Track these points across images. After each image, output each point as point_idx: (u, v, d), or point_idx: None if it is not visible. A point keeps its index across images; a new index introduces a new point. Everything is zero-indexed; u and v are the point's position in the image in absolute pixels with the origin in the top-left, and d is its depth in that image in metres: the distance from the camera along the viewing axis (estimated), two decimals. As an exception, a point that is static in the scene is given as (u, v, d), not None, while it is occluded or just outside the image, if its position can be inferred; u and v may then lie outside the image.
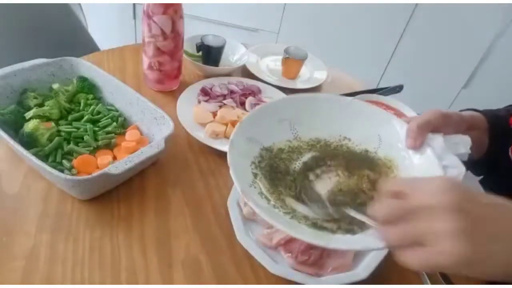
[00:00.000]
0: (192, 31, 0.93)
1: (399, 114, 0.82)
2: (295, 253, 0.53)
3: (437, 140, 0.50)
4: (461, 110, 0.65)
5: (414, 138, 0.50)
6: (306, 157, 0.53)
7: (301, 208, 0.46)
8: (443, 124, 0.51)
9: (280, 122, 0.54)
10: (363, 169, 0.51)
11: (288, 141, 0.54)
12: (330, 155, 0.53)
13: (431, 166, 0.47)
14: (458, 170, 0.48)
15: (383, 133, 0.53)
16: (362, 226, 0.43)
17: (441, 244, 0.31)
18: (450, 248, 0.30)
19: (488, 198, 0.33)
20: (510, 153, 0.56)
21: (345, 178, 0.50)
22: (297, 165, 0.52)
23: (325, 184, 0.50)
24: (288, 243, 0.54)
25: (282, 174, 0.50)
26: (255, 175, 0.49)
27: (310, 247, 0.54)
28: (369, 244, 0.39)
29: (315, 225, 0.44)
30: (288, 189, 0.48)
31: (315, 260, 0.53)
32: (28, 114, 0.64)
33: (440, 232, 0.31)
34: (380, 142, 0.53)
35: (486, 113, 0.60)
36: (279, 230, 0.54)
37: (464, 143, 0.51)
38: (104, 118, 0.68)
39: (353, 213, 0.44)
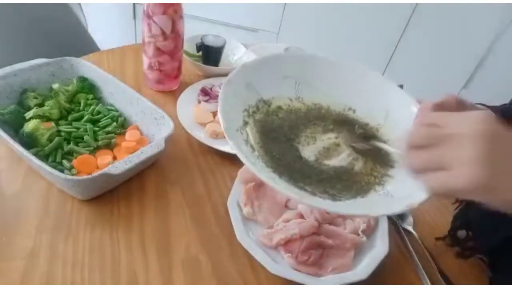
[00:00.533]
0: (192, 31, 0.93)
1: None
2: (295, 253, 0.53)
3: None
4: None
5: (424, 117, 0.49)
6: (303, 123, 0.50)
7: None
8: (457, 109, 0.49)
9: (285, 78, 0.50)
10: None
11: (289, 99, 0.51)
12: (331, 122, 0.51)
13: None
14: None
15: (392, 110, 0.51)
16: (342, 196, 0.42)
17: (462, 168, 0.32)
18: (469, 172, 0.32)
19: None
20: None
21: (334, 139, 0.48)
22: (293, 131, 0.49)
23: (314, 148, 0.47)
24: (288, 243, 0.54)
25: (275, 133, 0.47)
26: (245, 123, 0.46)
27: (310, 247, 0.54)
28: (342, 209, 0.39)
29: (295, 185, 0.42)
30: (277, 151, 0.46)
31: (315, 260, 0.53)
32: (28, 114, 0.64)
33: (464, 158, 0.32)
34: (387, 118, 0.51)
35: (497, 108, 0.60)
36: (279, 230, 0.54)
37: None
38: (104, 118, 0.68)
39: (376, 143, 0.43)
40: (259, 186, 0.62)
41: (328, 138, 0.49)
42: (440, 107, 0.48)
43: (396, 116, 0.51)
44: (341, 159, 0.47)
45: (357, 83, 0.52)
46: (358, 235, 0.57)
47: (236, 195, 0.60)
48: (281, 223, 0.57)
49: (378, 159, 0.47)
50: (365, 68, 0.54)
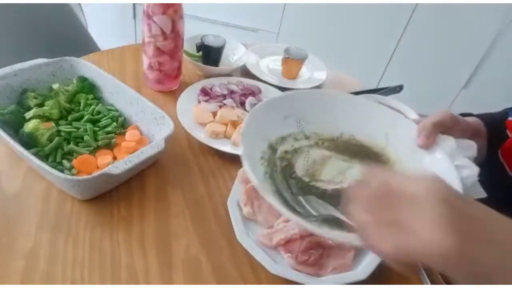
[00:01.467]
0: (192, 31, 0.93)
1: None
2: (295, 253, 0.53)
3: (449, 141, 0.50)
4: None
5: (427, 136, 0.49)
6: (314, 154, 0.53)
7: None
8: (453, 127, 0.51)
9: (286, 118, 0.53)
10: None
11: (295, 137, 0.54)
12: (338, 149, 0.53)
13: (444, 166, 0.47)
14: (471, 170, 0.47)
15: (390, 132, 0.53)
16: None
17: (426, 230, 0.28)
18: (437, 236, 0.27)
19: (478, 204, 0.30)
20: (499, 155, 0.56)
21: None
22: (305, 160, 0.52)
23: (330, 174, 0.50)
24: (288, 243, 0.54)
25: (289, 172, 0.50)
26: (266, 172, 0.49)
27: (310, 247, 0.54)
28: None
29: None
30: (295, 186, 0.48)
31: (315, 260, 0.53)
32: (28, 114, 0.64)
33: (427, 218, 0.28)
34: (387, 141, 0.53)
35: (484, 118, 0.60)
36: (279, 230, 0.54)
37: (471, 148, 0.51)
38: (104, 118, 0.68)
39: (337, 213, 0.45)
40: None
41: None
42: (440, 124, 0.50)
43: (397, 137, 0.53)
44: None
45: (353, 111, 0.55)
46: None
47: (236, 195, 0.60)
48: (281, 223, 0.57)
49: None
50: (354, 96, 0.57)
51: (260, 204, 0.59)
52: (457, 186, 0.44)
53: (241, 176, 0.62)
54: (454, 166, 0.47)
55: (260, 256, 0.52)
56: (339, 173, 0.51)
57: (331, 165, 0.52)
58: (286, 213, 0.40)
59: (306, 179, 0.50)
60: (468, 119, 0.59)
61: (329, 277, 0.52)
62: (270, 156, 0.50)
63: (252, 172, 0.42)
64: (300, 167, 0.51)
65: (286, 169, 0.51)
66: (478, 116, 0.61)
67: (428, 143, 0.50)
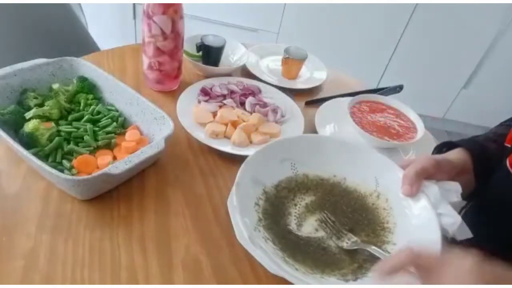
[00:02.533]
0: (192, 31, 0.93)
1: (399, 114, 0.82)
2: None
3: (432, 188, 0.51)
4: (438, 145, 0.66)
5: (410, 185, 0.51)
6: (306, 200, 0.55)
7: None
8: (436, 172, 0.52)
9: (282, 162, 0.55)
10: (362, 225, 0.53)
11: (288, 179, 0.55)
12: (329, 203, 0.55)
13: (427, 216, 0.49)
14: (454, 219, 0.49)
15: (380, 177, 0.55)
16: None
17: None
18: None
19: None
20: (507, 165, 0.56)
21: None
22: (297, 208, 0.54)
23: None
24: None
25: (282, 215, 0.52)
26: (260, 219, 0.50)
27: None
28: None
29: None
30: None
31: None
32: (28, 114, 0.64)
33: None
34: (378, 184, 0.55)
35: (468, 146, 0.59)
36: None
37: (455, 191, 0.52)
38: (104, 118, 0.68)
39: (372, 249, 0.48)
40: None
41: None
42: (423, 171, 0.51)
43: (385, 181, 0.55)
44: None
45: (345, 155, 0.57)
46: None
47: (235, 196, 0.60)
48: None
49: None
50: (347, 141, 0.59)
51: None
52: (437, 237, 0.46)
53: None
54: (436, 216, 0.48)
55: (260, 256, 0.52)
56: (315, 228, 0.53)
57: (314, 218, 0.54)
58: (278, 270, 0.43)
59: (297, 232, 0.52)
60: (452, 154, 0.58)
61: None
62: (264, 202, 0.52)
63: (242, 225, 0.45)
64: (292, 216, 0.54)
65: (278, 217, 0.53)
66: (462, 145, 0.60)
67: (412, 192, 0.51)
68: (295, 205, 0.55)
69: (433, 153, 0.68)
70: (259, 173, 0.51)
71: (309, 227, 0.53)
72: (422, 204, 0.51)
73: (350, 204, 0.55)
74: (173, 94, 0.83)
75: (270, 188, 0.53)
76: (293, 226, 0.53)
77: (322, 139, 0.58)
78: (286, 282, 0.51)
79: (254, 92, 0.85)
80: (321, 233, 0.52)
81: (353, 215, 0.54)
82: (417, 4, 1.77)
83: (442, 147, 0.65)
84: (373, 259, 0.49)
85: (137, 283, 0.50)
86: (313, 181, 0.56)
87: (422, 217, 0.49)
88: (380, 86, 0.99)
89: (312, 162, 0.56)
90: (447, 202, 0.50)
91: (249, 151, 0.70)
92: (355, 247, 0.50)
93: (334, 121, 0.83)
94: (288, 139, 0.56)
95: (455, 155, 0.58)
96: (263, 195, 0.52)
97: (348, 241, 0.51)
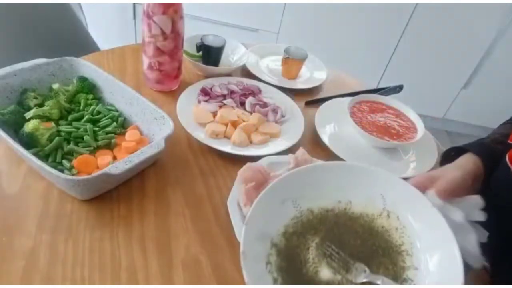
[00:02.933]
0: (192, 31, 0.93)
1: (399, 114, 0.82)
2: None
3: (457, 213, 0.48)
4: (445, 151, 0.65)
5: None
6: (316, 240, 0.49)
7: None
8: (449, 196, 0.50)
9: (284, 203, 0.51)
10: (377, 258, 0.48)
11: (294, 221, 0.50)
12: (337, 237, 0.50)
13: (444, 237, 0.45)
14: (482, 233, 0.48)
15: (385, 194, 0.51)
16: None
17: None
18: None
19: None
20: (507, 160, 0.56)
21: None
22: (311, 252, 0.48)
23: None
24: None
25: (298, 266, 0.47)
26: (275, 279, 0.45)
27: None
28: None
29: None
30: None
31: None
32: (28, 114, 0.64)
33: None
34: (386, 202, 0.51)
35: (476, 150, 0.58)
36: None
37: (476, 205, 0.50)
38: (104, 118, 0.68)
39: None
40: (259, 186, 0.62)
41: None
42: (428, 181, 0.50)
43: (393, 196, 0.51)
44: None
45: (345, 178, 0.52)
46: None
47: (236, 195, 0.60)
48: None
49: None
50: (343, 163, 0.56)
51: None
52: (457, 252, 0.43)
53: (241, 176, 0.62)
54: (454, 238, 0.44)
55: None
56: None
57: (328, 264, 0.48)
58: None
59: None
60: (463, 163, 0.57)
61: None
62: (276, 257, 0.47)
63: None
64: (308, 263, 0.48)
65: (295, 270, 0.47)
66: (470, 150, 0.59)
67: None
68: (308, 248, 0.49)
69: (441, 160, 0.67)
70: (262, 226, 0.47)
71: (327, 272, 0.47)
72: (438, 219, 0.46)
73: (358, 234, 0.50)
74: (173, 94, 0.83)
75: (279, 238, 0.48)
76: (311, 274, 0.47)
77: (318, 168, 0.53)
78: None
79: (254, 92, 0.85)
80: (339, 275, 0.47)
81: (364, 247, 0.49)
82: (417, 4, 1.77)
83: (450, 152, 0.64)
84: None
85: (137, 283, 0.50)
86: (318, 215, 0.52)
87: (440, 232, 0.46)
88: (380, 86, 0.99)
89: (314, 194, 0.52)
90: (472, 231, 0.48)
91: (249, 151, 0.71)
92: (365, 279, 0.45)
93: (334, 121, 0.83)
94: (283, 178, 0.51)
95: (467, 164, 0.56)
96: (273, 248, 0.47)
97: (357, 272, 0.46)
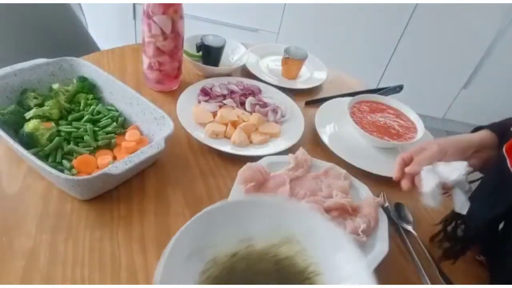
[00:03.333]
0: (192, 31, 0.93)
1: (399, 114, 0.82)
2: None
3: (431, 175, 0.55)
4: (474, 129, 0.65)
5: (404, 180, 0.58)
6: None
7: None
8: (443, 157, 0.56)
9: (189, 258, 0.44)
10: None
11: (203, 274, 0.44)
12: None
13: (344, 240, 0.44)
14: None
15: (284, 221, 0.48)
16: None
17: None
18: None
19: None
20: (504, 150, 0.56)
21: None
22: None
23: None
24: None
25: None
26: None
27: None
28: None
29: None
30: None
31: None
32: (28, 114, 0.64)
33: None
34: (284, 230, 0.48)
35: (495, 127, 0.60)
36: None
37: (458, 169, 0.54)
38: (104, 118, 0.68)
39: None
40: (260, 185, 0.62)
41: None
42: (420, 162, 0.57)
43: (290, 222, 0.48)
44: None
45: (244, 213, 0.48)
46: (358, 235, 0.57)
47: (237, 194, 0.60)
48: None
49: None
50: (234, 200, 0.52)
51: None
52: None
53: (240, 177, 0.62)
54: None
55: None
56: None
57: None
58: None
59: None
60: (475, 136, 0.60)
61: None
62: None
63: None
64: None
65: None
66: (490, 128, 0.61)
67: (407, 185, 0.57)
68: None
69: None
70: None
71: None
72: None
73: (267, 271, 0.48)
74: (173, 94, 0.83)
75: None
76: None
77: (212, 211, 0.47)
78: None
79: (254, 92, 0.85)
80: None
81: (275, 281, 0.47)
82: (417, 4, 1.77)
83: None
84: None
85: (137, 283, 0.50)
86: (224, 264, 0.46)
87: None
88: (380, 86, 0.99)
89: (216, 239, 0.47)
90: (452, 178, 0.54)
91: (249, 151, 0.71)
92: None
93: (334, 121, 0.83)
94: (182, 231, 0.44)
95: (478, 135, 0.60)
96: None
97: None
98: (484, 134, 0.60)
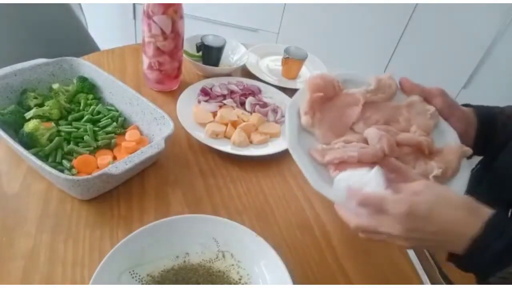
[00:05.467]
0: (192, 31, 0.93)
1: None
2: None
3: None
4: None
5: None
6: None
7: None
8: (448, 111, 0.58)
9: (120, 277, 0.47)
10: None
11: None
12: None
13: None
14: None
15: (218, 236, 0.52)
16: None
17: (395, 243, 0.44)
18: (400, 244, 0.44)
19: (432, 226, 0.41)
20: None
21: None
22: None
23: None
24: (341, 164, 0.50)
25: None
26: None
27: None
28: None
29: None
30: None
31: None
32: (28, 114, 0.64)
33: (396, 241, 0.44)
34: (218, 245, 0.52)
35: (479, 108, 0.61)
36: (336, 149, 0.51)
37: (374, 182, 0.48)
38: (104, 118, 0.68)
39: None
40: (327, 99, 0.56)
41: None
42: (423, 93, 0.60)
43: (223, 238, 0.52)
44: None
45: (174, 234, 0.52)
46: (428, 179, 0.51)
47: (298, 100, 0.55)
48: (340, 143, 0.52)
49: None
50: (168, 220, 0.52)
51: (322, 118, 0.54)
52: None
53: (309, 83, 0.56)
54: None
55: (306, 168, 0.48)
56: None
57: None
58: None
59: None
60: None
61: None
62: None
63: None
64: None
65: None
66: (473, 106, 0.62)
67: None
68: None
69: None
70: None
71: None
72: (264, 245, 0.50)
73: (200, 286, 0.50)
74: (173, 94, 0.83)
75: None
76: None
77: (140, 234, 0.50)
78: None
79: (254, 92, 0.85)
80: None
81: None
82: (417, 4, 1.77)
83: None
84: None
85: (137, 283, 0.50)
86: (159, 278, 0.49)
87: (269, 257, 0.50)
88: (380, 86, 0.99)
89: (150, 258, 0.49)
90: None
91: (249, 151, 0.71)
92: None
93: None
94: (113, 252, 0.47)
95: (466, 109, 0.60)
96: None
97: None
98: (472, 113, 0.60)
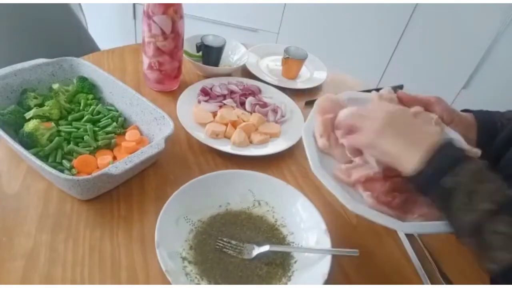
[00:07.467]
0: (192, 31, 0.93)
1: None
2: (375, 193, 0.49)
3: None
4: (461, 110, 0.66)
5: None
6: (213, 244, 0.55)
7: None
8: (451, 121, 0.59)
9: (177, 221, 0.55)
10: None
11: (191, 233, 0.56)
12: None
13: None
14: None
15: (253, 188, 0.61)
16: None
17: (363, 132, 0.49)
18: (365, 134, 0.48)
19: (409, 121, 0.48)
20: None
21: None
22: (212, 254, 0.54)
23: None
24: (368, 181, 0.51)
25: (209, 267, 0.53)
26: (198, 284, 0.51)
27: (395, 189, 0.50)
28: None
29: None
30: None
31: (400, 203, 0.49)
32: (28, 114, 0.64)
33: (368, 127, 0.48)
34: (254, 195, 0.61)
35: (479, 114, 0.63)
36: (359, 166, 0.54)
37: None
38: (104, 118, 0.68)
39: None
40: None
41: None
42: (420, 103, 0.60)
43: (258, 189, 0.62)
44: None
45: (216, 187, 0.61)
46: None
47: (312, 126, 0.57)
48: (359, 160, 0.53)
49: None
50: (213, 174, 0.62)
51: (337, 138, 0.55)
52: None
53: (318, 107, 0.58)
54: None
55: (338, 191, 0.48)
56: None
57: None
58: None
59: None
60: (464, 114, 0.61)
61: (414, 223, 0.49)
62: (192, 268, 0.52)
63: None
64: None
65: (208, 271, 0.53)
66: (472, 111, 0.63)
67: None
68: (210, 251, 0.55)
69: None
70: (168, 246, 0.51)
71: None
72: (296, 193, 0.60)
73: (243, 225, 0.59)
74: (173, 94, 0.83)
75: (186, 252, 0.53)
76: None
77: (194, 184, 0.59)
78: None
79: (254, 92, 0.85)
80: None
81: (250, 232, 0.58)
82: (417, 4, 1.77)
83: None
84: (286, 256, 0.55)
85: (137, 283, 0.50)
86: (208, 222, 0.58)
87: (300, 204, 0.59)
88: (380, 86, 0.99)
89: (198, 206, 0.58)
90: None
91: (249, 151, 0.71)
92: (257, 253, 0.54)
93: (334, 121, 0.82)
94: (169, 202, 0.56)
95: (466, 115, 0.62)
96: (185, 262, 0.52)
97: (248, 251, 0.54)
98: (469, 116, 0.62)
